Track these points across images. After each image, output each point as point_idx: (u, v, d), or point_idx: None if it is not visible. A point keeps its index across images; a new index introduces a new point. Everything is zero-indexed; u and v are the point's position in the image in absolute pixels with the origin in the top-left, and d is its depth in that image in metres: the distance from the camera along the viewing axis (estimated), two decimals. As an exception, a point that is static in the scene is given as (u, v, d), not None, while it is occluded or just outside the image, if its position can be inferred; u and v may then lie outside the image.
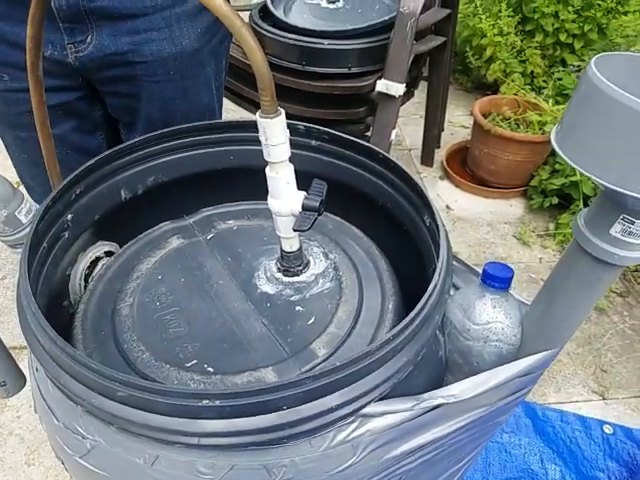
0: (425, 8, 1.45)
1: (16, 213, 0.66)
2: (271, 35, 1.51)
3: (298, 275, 0.65)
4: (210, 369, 0.56)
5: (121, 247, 0.73)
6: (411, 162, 2.12)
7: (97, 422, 0.47)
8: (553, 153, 1.84)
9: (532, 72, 2.15)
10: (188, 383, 0.54)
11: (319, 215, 0.57)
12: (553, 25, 2.05)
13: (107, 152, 0.68)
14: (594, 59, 0.38)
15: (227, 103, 1.76)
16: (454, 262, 0.63)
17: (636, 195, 0.37)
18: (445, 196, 1.98)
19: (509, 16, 2.10)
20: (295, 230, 0.58)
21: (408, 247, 0.66)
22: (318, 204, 0.56)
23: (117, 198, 0.71)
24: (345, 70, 1.49)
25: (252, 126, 0.67)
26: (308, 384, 0.43)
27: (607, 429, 1.22)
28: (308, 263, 0.66)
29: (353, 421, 0.47)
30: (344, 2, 1.65)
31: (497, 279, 0.56)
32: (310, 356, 0.56)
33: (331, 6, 1.63)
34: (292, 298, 0.63)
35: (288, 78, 1.51)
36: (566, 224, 1.75)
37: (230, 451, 0.46)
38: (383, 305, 0.62)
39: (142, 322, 0.61)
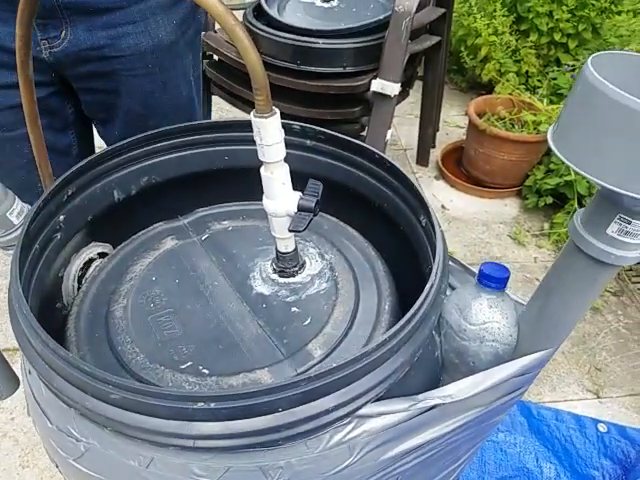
0: (420, 7, 1.45)
1: (7, 214, 0.65)
2: (265, 34, 1.50)
3: (294, 276, 0.65)
4: (205, 371, 0.55)
5: (115, 248, 0.72)
6: (406, 162, 2.13)
7: (91, 425, 0.47)
8: (548, 153, 1.85)
9: (527, 72, 2.16)
10: (183, 385, 0.54)
11: (315, 216, 0.56)
12: (547, 25, 2.06)
13: (100, 152, 0.67)
14: (591, 58, 0.38)
15: (221, 102, 1.76)
16: (450, 262, 0.63)
17: (633, 194, 0.37)
18: (440, 196, 1.98)
19: (504, 16, 2.10)
20: (291, 231, 0.57)
21: (404, 247, 0.66)
22: (314, 204, 0.56)
23: (110, 199, 0.70)
24: (340, 69, 1.48)
25: (247, 126, 0.67)
26: (304, 386, 0.43)
27: (601, 427, 1.23)
28: (304, 264, 0.66)
29: (349, 422, 0.47)
30: (339, 1, 1.64)
31: (493, 279, 0.56)
32: (306, 357, 0.56)
33: (325, 5, 1.62)
34: (288, 299, 0.63)
35: (283, 77, 1.50)
36: (561, 224, 1.76)
37: (226, 453, 0.46)
38: (379, 306, 0.62)
39: (136, 324, 0.60)
